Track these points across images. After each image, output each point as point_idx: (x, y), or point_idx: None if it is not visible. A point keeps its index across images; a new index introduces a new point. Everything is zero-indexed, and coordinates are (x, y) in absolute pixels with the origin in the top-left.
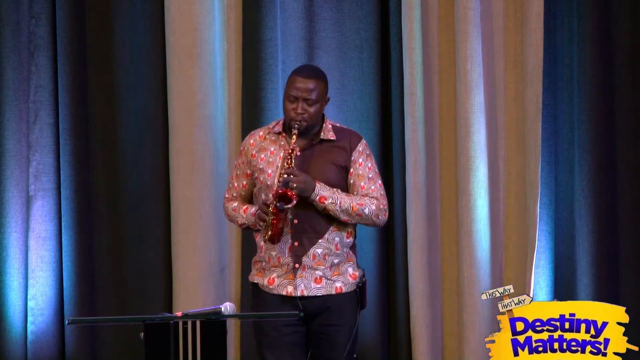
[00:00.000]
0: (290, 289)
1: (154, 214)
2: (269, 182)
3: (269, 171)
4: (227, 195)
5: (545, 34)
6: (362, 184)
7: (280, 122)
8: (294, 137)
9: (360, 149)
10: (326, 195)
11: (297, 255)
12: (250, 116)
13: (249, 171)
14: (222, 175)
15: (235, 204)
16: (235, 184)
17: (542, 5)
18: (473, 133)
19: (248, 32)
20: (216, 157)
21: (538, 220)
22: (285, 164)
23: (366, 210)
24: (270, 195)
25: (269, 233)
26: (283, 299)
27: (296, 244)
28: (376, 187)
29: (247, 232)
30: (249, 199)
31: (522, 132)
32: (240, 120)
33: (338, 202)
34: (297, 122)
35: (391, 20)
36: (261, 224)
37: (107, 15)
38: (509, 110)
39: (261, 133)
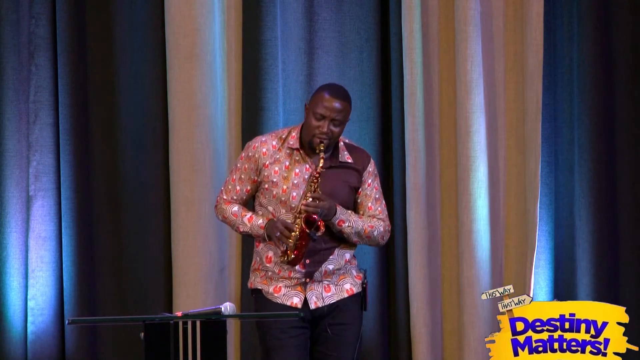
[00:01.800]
0: (296, 300)
1: (154, 214)
2: (282, 198)
3: (284, 187)
4: (225, 197)
5: (545, 34)
6: (370, 204)
7: (295, 135)
8: (322, 160)
9: (370, 169)
10: (344, 218)
11: (309, 271)
12: (250, 116)
13: (256, 178)
14: (222, 175)
15: (235, 207)
16: (238, 188)
17: (542, 5)
18: (473, 133)
19: (248, 32)
20: (216, 157)
21: (538, 220)
22: (311, 188)
23: (375, 232)
24: (299, 220)
25: (292, 256)
26: (288, 309)
27: (308, 261)
28: (382, 208)
29: None
30: (247, 202)
31: (522, 132)
32: (240, 120)
33: (353, 225)
34: (322, 142)
35: (391, 20)
36: (280, 245)
37: (107, 15)
38: (509, 110)
39: (274, 143)
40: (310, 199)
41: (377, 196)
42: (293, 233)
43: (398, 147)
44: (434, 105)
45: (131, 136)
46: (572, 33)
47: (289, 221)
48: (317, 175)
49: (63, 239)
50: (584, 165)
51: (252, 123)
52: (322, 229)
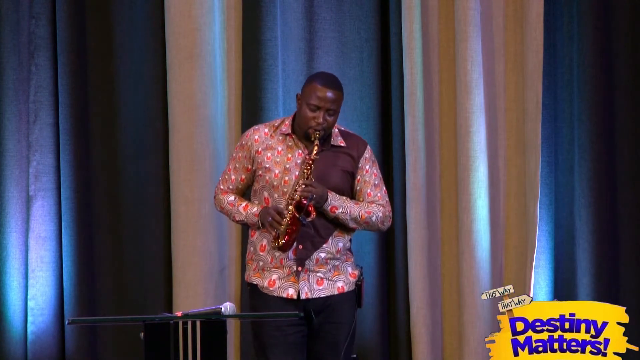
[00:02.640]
0: (291, 291)
1: (154, 214)
2: (275, 183)
3: (276, 171)
4: (221, 187)
5: (545, 34)
6: (369, 190)
7: (287, 123)
8: (316, 147)
9: (366, 155)
10: (337, 205)
11: (301, 258)
12: (250, 116)
13: (250, 166)
14: None
15: (232, 197)
16: (233, 177)
17: (542, 5)
18: (473, 133)
19: (248, 32)
20: (216, 157)
21: (538, 220)
22: (304, 175)
23: (373, 218)
24: (291, 206)
25: (282, 242)
26: (284, 300)
27: (300, 247)
28: (382, 194)
29: (247, 232)
30: (244, 192)
31: (522, 132)
32: (240, 120)
33: (348, 211)
34: (317, 131)
35: (391, 20)
36: (272, 231)
37: (107, 15)
38: (509, 110)
39: (266, 130)
40: (303, 186)
41: (376, 182)
42: (284, 219)
43: (398, 147)
44: (434, 105)
45: (131, 136)
46: (572, 33)
47: (282, 207)
48: (311, 162)
49: (63, 239)
50: (584, 165)
51: (252, 123)
52: (313, 214)
